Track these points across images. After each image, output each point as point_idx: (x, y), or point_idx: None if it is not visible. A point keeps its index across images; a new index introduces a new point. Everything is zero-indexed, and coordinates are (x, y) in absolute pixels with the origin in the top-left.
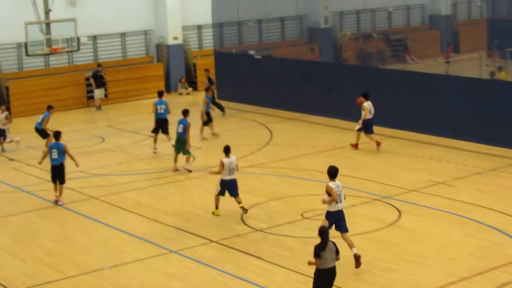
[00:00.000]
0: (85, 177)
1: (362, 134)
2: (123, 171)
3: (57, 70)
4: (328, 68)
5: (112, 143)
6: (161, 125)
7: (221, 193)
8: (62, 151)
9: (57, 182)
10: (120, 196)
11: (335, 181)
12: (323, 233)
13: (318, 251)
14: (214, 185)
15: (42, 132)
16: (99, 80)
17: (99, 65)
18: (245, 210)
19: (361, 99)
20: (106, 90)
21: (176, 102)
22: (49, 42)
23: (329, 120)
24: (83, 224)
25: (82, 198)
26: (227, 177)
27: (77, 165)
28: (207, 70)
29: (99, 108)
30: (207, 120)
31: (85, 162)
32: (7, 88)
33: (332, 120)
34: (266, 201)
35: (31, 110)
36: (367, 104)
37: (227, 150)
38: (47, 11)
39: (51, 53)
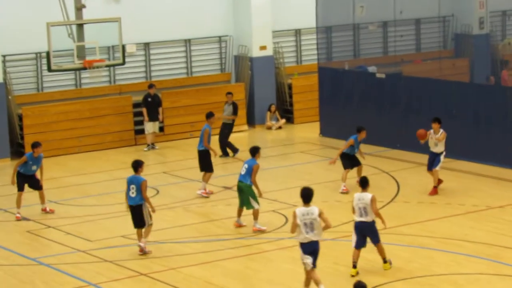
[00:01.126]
0: (130, 244)
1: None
2: (186, 237)
3: (93, 92)
4: (484, 92)
5: (170, 197)
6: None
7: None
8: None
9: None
10: (181, 273)
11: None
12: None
13: None
14: None
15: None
16: (152, 108)
17: (151, 85)
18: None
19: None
20: (161, 121)
21: (263, 139)
22: (81, 52)
23: (486, 168)
24: None
25: (127, 274)
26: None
27: None
28: (229, 93)
29: (152, 146)
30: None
31: (126, 222)
32: (20, 117)
33: (489, 168)
34: (389, 282)
35: (53, 149)
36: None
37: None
38: (79, 7)
39: (84, 68)
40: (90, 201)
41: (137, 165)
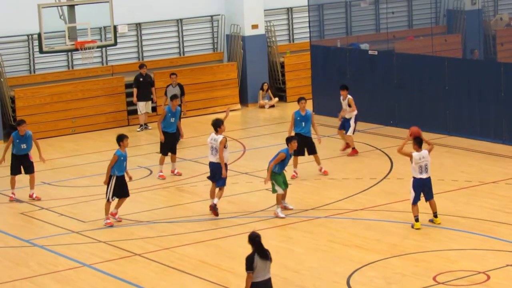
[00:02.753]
0: (125, 225)
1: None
2: (179, 216)
3: (85, 73)
4: (476, 67)
5: (166, 177)
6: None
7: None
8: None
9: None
10: (175, 252)
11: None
12: (253, 240)
13: (251, 263)
14: (307, 234)
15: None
16: (144, 88)
17: (142, 65)
18: None
19: None
20: (154, 101)
21: (256, 118)
22: (73, 33)
23: (479, 143)
24: None
25: (121, 254)
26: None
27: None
28: (173, 74)
29: (144, 127)
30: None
31: (124, 204)
32: (12, 99)
33: (482, 144)
34: (384, 259)
35: (46, 130)
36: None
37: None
38: None
39: (76, 49)
40: (84, 182)
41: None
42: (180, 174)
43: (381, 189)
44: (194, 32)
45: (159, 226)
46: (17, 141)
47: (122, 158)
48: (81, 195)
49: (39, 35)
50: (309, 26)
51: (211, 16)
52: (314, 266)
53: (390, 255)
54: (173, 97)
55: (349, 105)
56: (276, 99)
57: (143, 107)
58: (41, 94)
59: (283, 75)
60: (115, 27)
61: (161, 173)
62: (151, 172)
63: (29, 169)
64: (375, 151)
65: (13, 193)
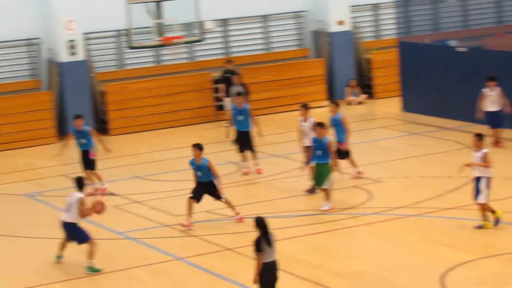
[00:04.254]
0: (216, 219)
1: None
2: (270, 212)
3: (172, 69)
4: None
5: (251, 172)
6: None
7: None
8: None
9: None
10: None
11: None
12: (261, 224)
13: (259, 245)
14: (397, 232)
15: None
16: (231, 84)
17: (229, 60)
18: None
19: None
20: None
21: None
22: (160, 29)
23: None
24: (213, 285)
25: (213, 249)
26: None
27: None
28: (229, 61)
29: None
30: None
31: (210, 198)
32: (102, 94)
33: None
34: (477, 259)
35: (134, 125)
36: None
37: None
38: None
39: (163, 45)
40: (173, 176)
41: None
42: (259, 172)
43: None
44: (280, 28)
45: (250, 222)
46: (76, 136)
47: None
48: (171, 189)
49: (128, 31)
50: (396, 23)
51: (297, 13)
52: (404, 264)
53: (483, 255)
54: (237, 94)
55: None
56: (364, 95)
57: (229, 102)
58: (130, 89)
59: (369, 71)
60: (201, 23)
61: (244, 169)
62: (240, 167)
63: (90, 166)
64: (464, 149)
65: (103, 187)
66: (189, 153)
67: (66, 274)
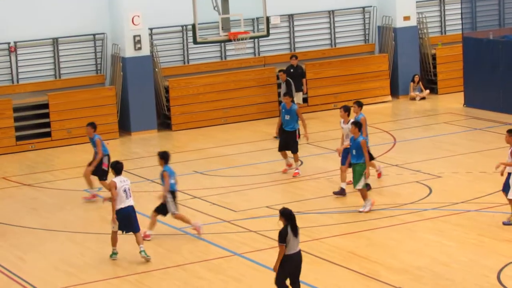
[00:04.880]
0: (274, 215)
1: None
2: (329, 207)
3: (237, 64)
4: None
5: (313, 167)
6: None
7: None
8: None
9: None
10: (324, 243)
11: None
12: (289, 215)
13: (284, 236)
14: (456, 227)
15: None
16: (295, 79)
17: (293, 56)
18: None
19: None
20: (305, 93)
21: (406, 110)
22: (226, 24)
23: None
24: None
25: (271, 244)
26: None
27: None
28: (281, 71)
29: None
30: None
31: (273, 194)
32: (166, 89)
33: None
34: None
35: (198, 120)
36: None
37: None
38: None
39: (229, 40)
40: (234, 171)
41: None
42: (295, 176)
43: None
44: (346, 24)
45: (309, 217)
46: (91, 143)
47: None
48: (232, 184)
49: (193, 26)
50: (461, 18)
51: (363, 8)
52: (463, 259)
53: None
54: (285, 94)
55: None
56: (427, 91)
57: (295, 98)
58: (194, 84)
59: (434, 67)
60: (267, 18)
61: (285, 167)
62: (302, 162)
63: (100, 177)
64: None
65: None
66: (250, 148)
67: (123, 270)
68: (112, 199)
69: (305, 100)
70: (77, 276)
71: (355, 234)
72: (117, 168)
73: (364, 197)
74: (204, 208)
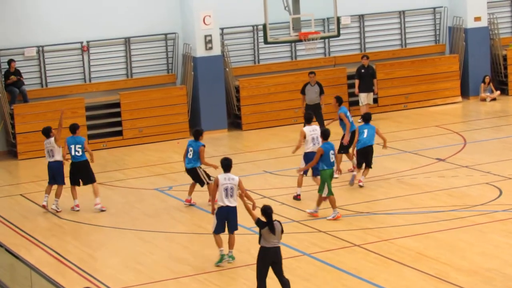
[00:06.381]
0: (344, 215)
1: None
2: (400, 208)
3: (308, 64)
4: None
5: (383, 168)
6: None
7: None
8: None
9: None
10: (394, 244)
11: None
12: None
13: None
14: None
15: None
16: (365, 79)
17: (365, 56)
18: None
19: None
20: (375, 93)
21: (477, 111)
22: (297, 24)
23: None
24: (340, 281)
25: (340, 245)
26: None
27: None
28: (312, 73)
29: None
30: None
31: (343, 194)
32: (237, 89)
33: None
34: None
35: (269, 120)
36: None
37: None
38: None
39: (299, 40)
40: None
41: (197, 134)
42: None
43: None
44: (417, 24)
45: (379, 218)
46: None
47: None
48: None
49: (264, 26)
50: None
51: (434, 8)
52: None
53: None
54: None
55: None
56: (498, 92)
57: (364, 98)
58: (265, 84)
59: (505, 68)
60: (338, 19)
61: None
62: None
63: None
64: None
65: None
66: None
67: (193, 269)
68: (212, 194)
69: (375, 100)
70: (147, 274)
71: (425, 235)
72: (224, 164)
73: (332, 205)
74: (273, 208)
